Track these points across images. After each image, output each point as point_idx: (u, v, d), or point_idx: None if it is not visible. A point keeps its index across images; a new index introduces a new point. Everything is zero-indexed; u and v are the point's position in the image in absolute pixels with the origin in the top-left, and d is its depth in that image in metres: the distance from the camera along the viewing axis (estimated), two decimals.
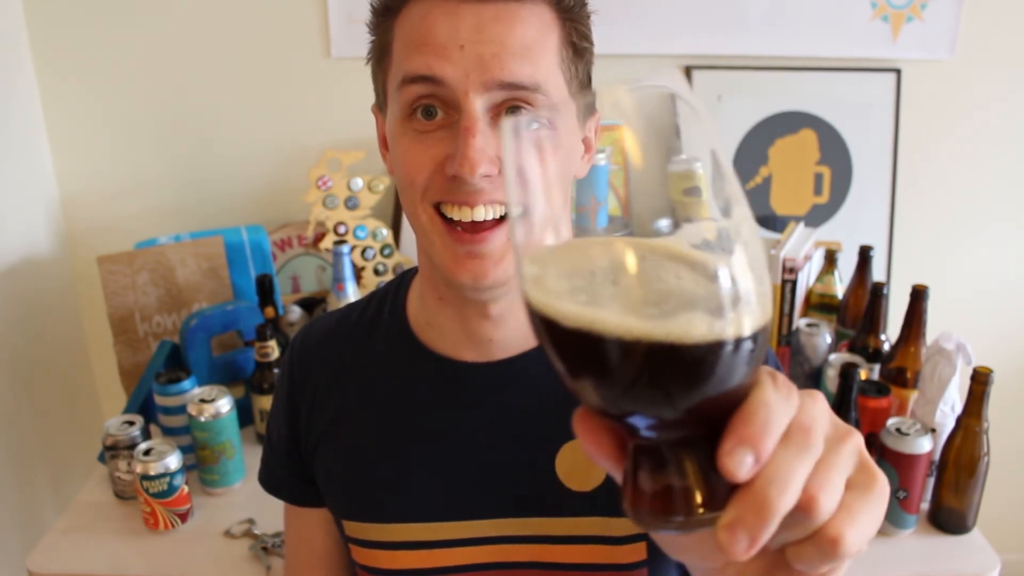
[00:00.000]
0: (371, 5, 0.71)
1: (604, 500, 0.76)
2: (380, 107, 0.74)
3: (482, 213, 0.67)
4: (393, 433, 0.80)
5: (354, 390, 0.83)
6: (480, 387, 0.78)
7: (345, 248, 1.54)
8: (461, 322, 0.77)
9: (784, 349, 1.49)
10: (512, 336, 0.77)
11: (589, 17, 0.72)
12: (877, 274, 1.61)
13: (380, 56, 0.71)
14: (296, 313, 1.58)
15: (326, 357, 0.85)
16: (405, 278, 0.86)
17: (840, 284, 1.56)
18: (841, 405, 1.21)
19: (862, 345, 1.41)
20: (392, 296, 0.85)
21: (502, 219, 0.67)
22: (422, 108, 0.67)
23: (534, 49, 0.65)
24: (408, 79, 0.66)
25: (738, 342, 0.34)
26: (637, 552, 0.77)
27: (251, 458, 1.37)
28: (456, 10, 0.65)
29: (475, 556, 0.78)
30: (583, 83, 0.71)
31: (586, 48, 0.70)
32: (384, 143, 0.76)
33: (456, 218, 0.67)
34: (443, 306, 0.77)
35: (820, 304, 1.56)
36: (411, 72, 0.66)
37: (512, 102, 0.65)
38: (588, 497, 0.76)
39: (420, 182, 0.68)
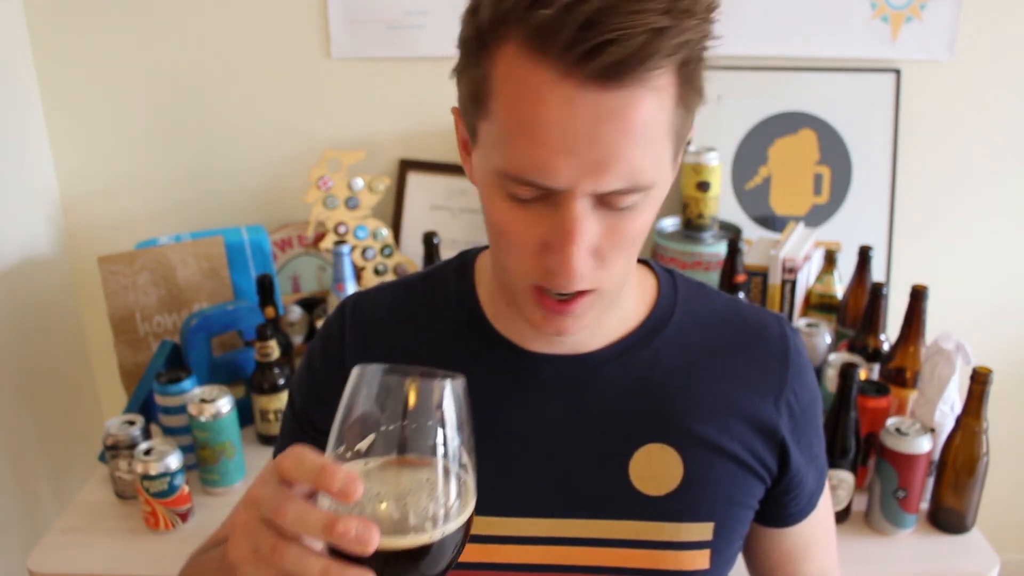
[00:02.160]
0: (462, 21, 0.63)
1: (676, 505, 0.76)
2: (466, 125, 0.68)
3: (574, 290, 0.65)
4: None
5: None
6: (554, 380, 0.76)
7: (345, 248, 1.54)
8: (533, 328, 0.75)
9: None
10: (583, 338, 0.76)
11: (704, 61, 0.62)
12: (877, 274, 1.61)
13: (474, 93, 0.64)
14: (296, 313, 1.58)
15: (388, 333, 0.81)
16: (467, 259, 0.82)
17: (840, 284, 1.56)
18: (841, 405, 1.22)
19: (862, 345, 1.41)
20: (456, 277, 0.82)
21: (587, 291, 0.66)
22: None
23: (645, 140, 0.59)
24: (508, 177, 0.61)
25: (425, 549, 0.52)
26: (701, 559, 0.77)
27: (251, 458, 1.37)
28: (573, 98, 0.57)
29: (531, 555, 0.77)
30: (685, 128, 0.65)
31: (696, 103, 0.63)
32: (465, 148, 0.71)
33: (551, 290, 0.66)
34: (515, 311, 0.75)
35: (820, 304, 1.56)
36: (512, 173, 0.61)
37: (612, 198, 0.61)
38: (660, 501, 0.76)
39: (521, 258, 0.65)
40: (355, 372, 0.54)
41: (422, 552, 0.52)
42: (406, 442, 0.53)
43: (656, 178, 0.62)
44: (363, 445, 0.53)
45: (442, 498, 0.53)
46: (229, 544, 0.54)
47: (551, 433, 0.76)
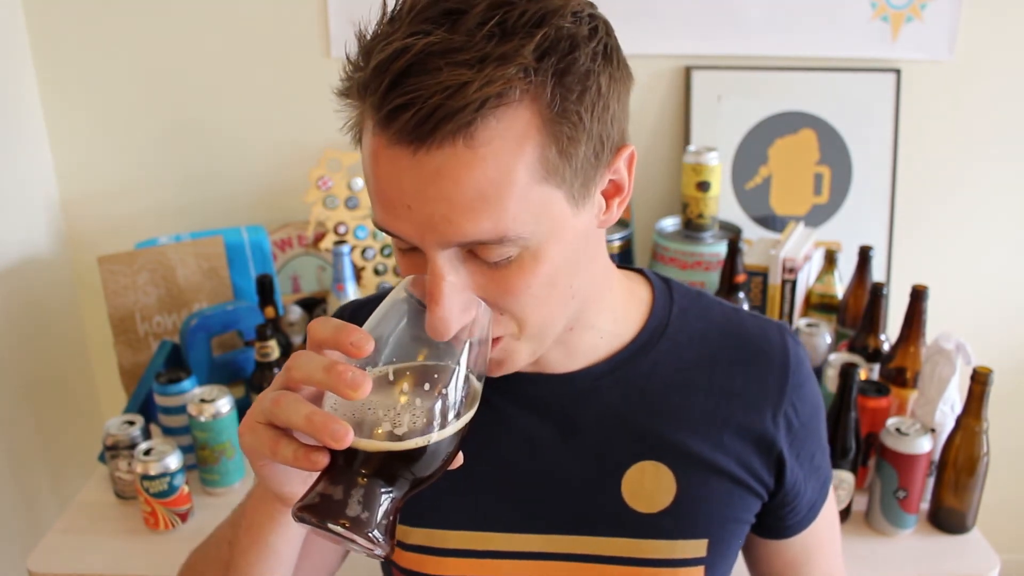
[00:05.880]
0: (334, 89, 0.64)
1: (669, 523, 0.75)
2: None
3: None
4: None
5: None
6: (545, 400, 0.76)
7: (345, 248, 1.54)
8: None
9: None
10: (563, 360, 0.75)
11: (592, 87, 0.58)
12: (877, 274, 1.61)
13: (356, 140, 0.65)
14: (296, 313, 1.58)
15: None
16: None
17: (840, 284, 1.56)
18: (841, 405, 1.22)
19: (862, 345, 1.41)
20: None
21: (495, 338, 0.64)
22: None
23: (491, 195, 0.56)
24: (377, 227, 0.62)
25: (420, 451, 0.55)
26: (695, 575, 0.77)
27: None
28: (397, 158, 0.56)
29: (526, 570, 0.77)
30: (587, 164, 0.60)
31: (574, 148, 0.58)
32: None
33: None
34: None
35: (820, 304, 1.56)
36: (377, 224, 0.62)
37: (475, 249, 0.59)
38: (653, 519, 0.75)
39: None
40: (404, 282, 0.60)
41: (415, 454, 0.54)
42: (426, 349, 0.57)
43: (534, 229, 0.59)
44: (385, 353, 0.56)
45: (448, 401, 0.56)
46: (243, 421, 0.59)
47: (543, 452, 0.76)
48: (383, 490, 0.54)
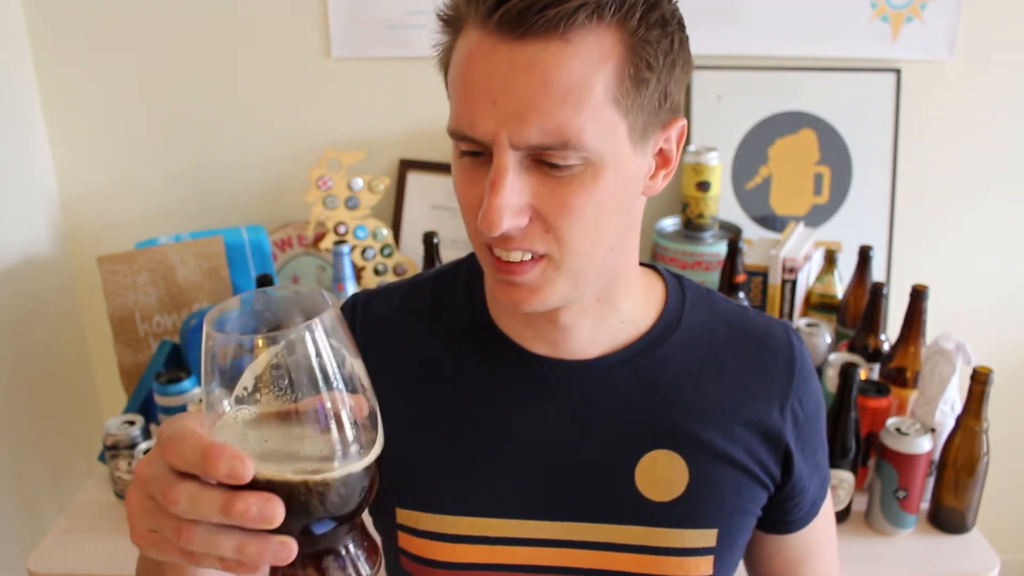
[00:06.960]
0: (437, 13, 0.68)
1: (681, 511, 0.76)
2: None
3: (517, 256, 0.66)
4: (465, 422, 0.78)
5: (425, 371, 0.79)
6: (561, 385, 0.77)
7: (345, 248, 1.54)
8: (528, 321, 0.76)
9: None
10: (585, 340, 0.76)
11: (668, 37, 0.64)
12: (877, 274, 1.61)
13: (443, 65, 0.69)
14: None
15: (394, 334, 0.81)
16: (477, 258, 0.79)
17: (840, 284, 1.56)
18: (841, 405, 1.22)
19: (862, 345, 1.41)
20: (466, 278, 0.82)
21: (536, 258, 0.66)
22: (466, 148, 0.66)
23: (571, 98, 0.60)
24: (451, 133, 0.65)
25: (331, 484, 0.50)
26: (704, 565, 0.77)
27: None
28: (493, 51, 0.61)
29: (537, 557, 0.77)
30: (651, 107, 0.65)
31: (647, 79, 0.63)
32: None
33: (498, 254, 0.67)
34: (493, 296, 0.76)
35: (820, 304, 1.56)
36: (452, 128, 0.65)
37: (543, 155, 0.62)
38: (665, 507, 0.76)
39: (470, 216, 0.67)
40: (209, 338, 0.50)
41: (325, 490, 0.49)
42: (289, 388, 0.50)
43: (598, 145, 0.62)
44: (251, 397, 0.50)
45: (335, 438, 0.50)
46: (129, 527, 0.52)
47: (557, 437, 0.76)
48: (335, 552, 0.53)
